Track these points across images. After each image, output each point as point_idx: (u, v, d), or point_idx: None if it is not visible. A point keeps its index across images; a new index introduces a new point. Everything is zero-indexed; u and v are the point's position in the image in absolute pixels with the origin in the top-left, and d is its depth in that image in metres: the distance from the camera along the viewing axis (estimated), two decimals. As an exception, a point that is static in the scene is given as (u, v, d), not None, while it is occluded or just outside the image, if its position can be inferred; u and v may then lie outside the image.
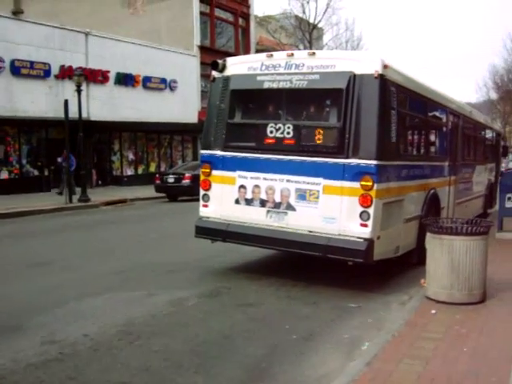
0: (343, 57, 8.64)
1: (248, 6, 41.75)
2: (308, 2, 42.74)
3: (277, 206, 8.50)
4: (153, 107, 30.79)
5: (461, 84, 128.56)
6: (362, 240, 7.70)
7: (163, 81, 32.07)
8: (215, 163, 9.15)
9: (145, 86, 30.84)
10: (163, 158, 34.43)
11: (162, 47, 32.59)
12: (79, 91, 21.05)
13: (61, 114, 20.97)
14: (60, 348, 5.75)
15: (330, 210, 7.97)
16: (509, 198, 12.18)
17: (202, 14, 36.28)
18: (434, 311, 6.73)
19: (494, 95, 57.60)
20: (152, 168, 33.17)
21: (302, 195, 8.24)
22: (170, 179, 23.96)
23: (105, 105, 28.08)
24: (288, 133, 8.44)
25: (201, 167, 9.41)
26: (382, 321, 6.78)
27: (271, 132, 8.59)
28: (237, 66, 9.14)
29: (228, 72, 9.14)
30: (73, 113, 21.01)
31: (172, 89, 32.78)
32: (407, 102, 9.35)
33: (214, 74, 9.32)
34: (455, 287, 6.96)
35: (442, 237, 7.00)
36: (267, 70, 8.73)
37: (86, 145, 25.52)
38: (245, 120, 9.15)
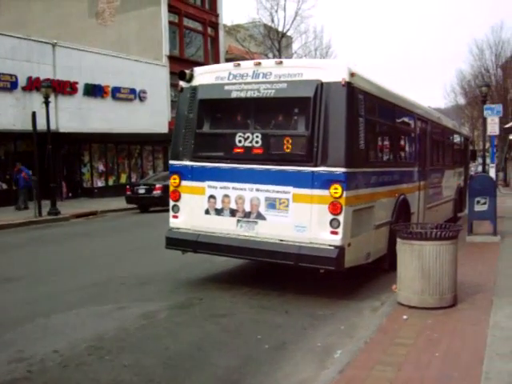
0: (310, 65, 8.72)
1: (217, 16, 41.82)
2: (276, 11, 43.00)
3: (247, 215, 8.46)
4: (122, 118, 30.60)
5: (429, 90, 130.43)
6: (332, 248, 7.71)
7: (132, 91, 31.91)
8: (184, 173, 9.09)
9: (114, 97, 30.63)
10: (134, 169, 34.18)
11: (130, 57, 32.44)
12: (47, 103, 20.79)
13: (29, 127, 20.73)
14: (28, 365, 5.62)
15: (300, 219, 7.96)
16: (478, 202, 12.32)
17: (170, 23, 36.21)
18: (405, 316, 6.76)
19: (461, 100, 58.52)
20: (123, 179, 32.89)
21: (271, 204, 8.22)
22: (141, 190, 23.78)
23: (74, 116, 27.82)
24: (257, 142, 8.41)
25: (170, 178, 9.32)
26: (354, 327, 6.78)
27: (240, 141, 8.54)
28: (204, 75, 9.12)
29: (196, 82, 9.12)
30: (41, 125, 20.75)
31: (142, 99, 32.61)
32: (375, 108, 9.35)
33: (182, 84, 9.32)
34: (426, 292, 7.00)
35: (411, 242, 7.04)
36: (235, 79, 8.70)
37: (56, 157, 25.23)
38: (213, 130, 9.12)
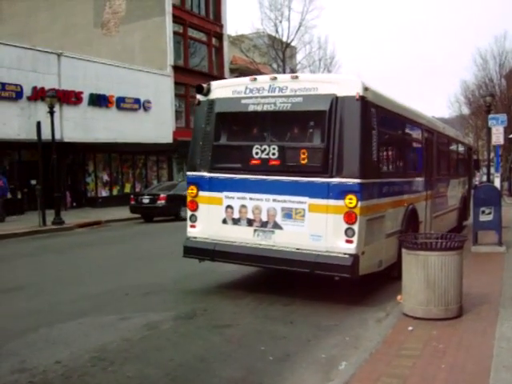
0: (325, 80, 9.10)
1: (221, 26, 41.96)
2: (281, 22, 43.15)
3: (264, 224, 8.71)
4: (127, 128, 30.67)
5: (434, 99, 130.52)
6: (347, 256, 7.96)
7: (137, 101, 31.98)
8: (202, 184, 9.33)
9: (118, 107, 30.71)
10: (138, 179, 34.19)
11: (135, 67, 32.56)
12: (52, 113, 20.85)
13: (34, 136, 20.76)
14: (31, 376, 5.59)
15: (316, 228, 8.22)
16: (483, 212, 12.26)
17: (175, 33, 36.34)
18: (411, 328, 6.71)
19: (465, 110, 58.46)
20: (127, 189, 32.89)
21: (288, 214, 8.47)
22: (145, 200, 23.79)
23: (78, 126, 27.89)
24: (273, 154, 8.67)
25: (187, 188, 9.55)
26: (359, 339, 6.73)
27: (256, 153, 8.80)
28: (221, 89, 9.40)
29: (213, 95, 9.38)
30: (46, 134, 20.78)
31: (146, 109, 32.68)
32: (386, 121, 9.53)
33: (199, 97, 9.55)
34: (431, 303, 6.95)
35: (417, 253, 7.00)
36: (251, 93, 8.99)
37: (60, 166, 25.24)
38: (230, 142, 9.32)
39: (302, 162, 8.44)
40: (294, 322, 7.47)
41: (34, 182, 23.96)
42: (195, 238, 9.41)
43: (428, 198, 12.09)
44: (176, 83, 35.80)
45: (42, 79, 26.06)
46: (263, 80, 9.12)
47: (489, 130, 21.56)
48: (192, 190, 9.39)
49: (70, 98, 27.51)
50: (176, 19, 36.26)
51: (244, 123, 9.49)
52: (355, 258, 7.92)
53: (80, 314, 7.92)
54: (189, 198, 9.51)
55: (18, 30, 36.75)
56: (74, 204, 29.55)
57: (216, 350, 6.38)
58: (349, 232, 7.94)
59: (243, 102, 9.01)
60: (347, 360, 5.91)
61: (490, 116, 20.91)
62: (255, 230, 8.76)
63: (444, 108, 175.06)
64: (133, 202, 24.28)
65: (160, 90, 34.02)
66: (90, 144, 28.69)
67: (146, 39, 35.57)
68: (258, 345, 6.55)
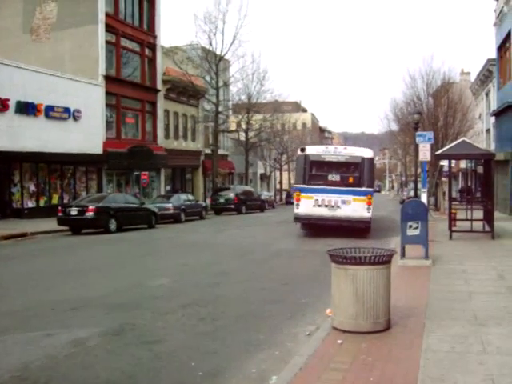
0: (358, 150, 22.51)
1: (154, 37, 41.66)
2: (215, 34, 43.32)
3: (332, 206, 20.74)
4: (56, 137, 29.95)
5: (366, 116, 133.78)
6: (368, 218, 20.63)
7: (67, 110, 31.29)
8: (302, 190, 21.25)
9: (47, 116, 29.95)
10: (66, 190, 33.31)
11: (65, 76, 31.87)
12: (-25, 120, 20.08)
13: (-45, 144, 19.92)
14: None
15: (355, 208, 20.51)
16: (410, 226, 12.55)
17: (107, 43, 35.77)
18: (340, 341, 6.75)
19: (394, 127, 60.02)
20: (55, 200, 31.97)
21: (343, 201, 20.66)
22: (73, 211, 23.18)
23: (4, 134, 26.97)
24: (337, 178, 21.18)
25: (294, 192, 22.58)
26: (289, 353, 6.71)
27: (330, 177, 21.23)
28: (311, 149, 22.51)
29: (307, 152, 21.83)
30: (-32, 143, 19.98)
31: (76, 118, 32.02)
32: (374, 166, 24.71)
33: (299, 152, 22.11)
34: (360, 316, 7.03)
35: (346, 267, 7.06)
36: (325, 152, 21.68)
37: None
38: (316, 172, 21.49)
39: (350, 181, 21.01)
40: (223, 337, 7.40)
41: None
42: (298, 214, 21.25)
43: (371, 199, 21.91)
44: (107, 93, 35.24)
45: (-34, 85, 25.10)
46: (331, 147, 23.36)
47: (416, 147, 22.18)
48: (297, 193, 21.45)
49: (-6, 105, 26.58)
50: (109, 28, 35.76)
51: (322, 164, 21.55)
52: (370, 219, 20.75)
53: (1, 331, 7.59)
54: (295, 196, 21.64)
55: None
56: (-1, 215, 28.45)
57: (145, 367, 6.24)
58: (368, 209, 20.54)
59: (322, 155, 21.50)
60: (277, 374, 5.88)
61: (418, 133, 21.54)
62: (328, 208, 20.74)
63: (375, 124, 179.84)
64: (60, 214, 23.61)
65: (91, 99, 33.42)
66: (17, 153, 27.76)
67: (78, 47, 34.84)
68: (188, 360, 6.44)
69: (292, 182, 78.95)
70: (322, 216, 20.79)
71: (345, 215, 20.56)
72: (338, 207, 20.61)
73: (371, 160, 21.81)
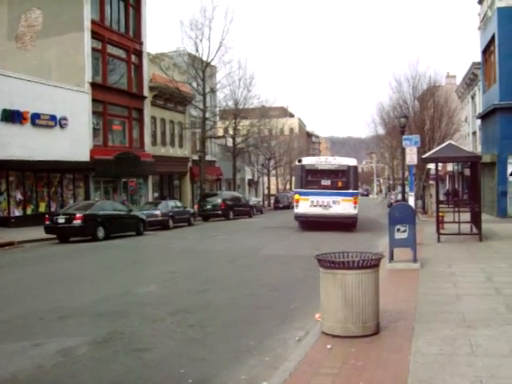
0: (344, 159, 28.38)
1: (141, 43, 41.59)
2: (201, 41, 43.33)
3: (325, 206, 25.59)
4: (42, 145, 29.78)
5: (354, 120, 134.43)
6: (354, 215, 26.02)
7: (53, 118, 31.15)
8: (300, 193, 26.24)
9: (34, 123, 29.78)
10: (53, 198, 33.08)
11: (51, 83, 31.73)
12: (-39, 129, 19.93)
13: None
14: None
15: (344, 206, 25.58)
16: (398, 230, 12.59)
17: (93, 50, 35.62)
18: (329, 346, 6.75)
19: (381, 131, 60.30)
20: (42, 208, 31.73)
21: (334, 202, 25.53)
22: (61, 220, 23.03)
23: (-10, 143, 26.75)
24: (328, 183, 26.23)
25: (294, 195, 28.03)
26: (278, 358, 6.70)
27: (322, 183, 26.17)
28: (307, 160, 28.56)
29: (304, 162, 27.51)
30: (-46, 152, 19.82)
31: (62, 126, 31.86)
32: (357, 172, 30.25)
33: (297, 163, 28.11)
34: (349, 321, 7.03)
35: (334, 271, 7.06)
36: (318, 162, 27.56)
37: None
38: (311, 179, 26.53)
39: (339, 185, 26.14)
40: (213, 344, 7.38)
41: None
42: (297, 213, 26.30)
43: (357, 199, 27.09)
44: (94, 100, 35.11)
45: (-49, 93, 24.90)
46: (323, 158, 30.26)
47: (403, 150, 22.29)
48: (297, 196, 26.47)
49: (-20, 113, 26.39)
50: (95, 35, 35.62)
51: (316, 172, 26.57)
52: (356, 215, 26.07)
53: (-12, 341, 7.51)
54: (295, 198, 26.72)
55: None
56: (-15, 224, 28.21)
57: (134, 375, 6.20)
58: (354, 207, 25.76)
59: (315, 165, 27.03)
60: (267, 380, 5.86)
61: (404, 137, 21.63)
62: (322, 208, 25.45)
63: (362, 129, 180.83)
64: (48, 222, 23.44)
65: (77, 106, 33.28)
66: (3, 161, 27.54)
67: (64, 54, 34.66)
68: (178, 368, 6.41)
69: (280, 187, 79.17)
70: (317, 214, 25.65)
71: (336, 213, 25.52)
72: (330, 206, 25.63)
73: (356, 167, 27.80)
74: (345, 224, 25.81)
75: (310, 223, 26.46)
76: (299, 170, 27.11)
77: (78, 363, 6.61)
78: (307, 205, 25.67)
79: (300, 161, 27.82)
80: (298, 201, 26.35)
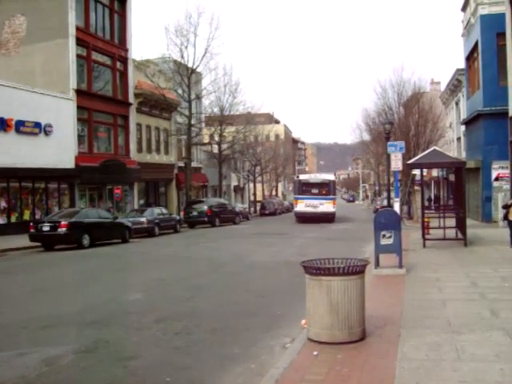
0: (327, 175, 49.50)
1: (126, 50, 41.51)
2: (186, 47, 43.29)
3: (314, 207, 41.24)
4: (27, 152, 29.58)
5: (339, 126, 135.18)
6: (333, 212, 42.31)
7: (38, 125, 30.97)
8: (297, 198, 43.24)
9: (18, 131, 29.57)
10: (38, 206, 32.82)
11: (36, 90, 31.54)
12: None
13: None
14: None
15: (327, 207, 41.49)
16: (383, 236, 12.61)
17: (78, 56, 35.49)
18: (315, 352, 6.74)
19: (366, 137, 60.50)
20: (26, 216, 31.43)
21: (321, 204, 41.38)
22: (45, 227, 22.87)
23: (-27, 150, 26.52)
24: (316, 191, 42.35)
25: (294, 199, 45.78)
26: (265, 366, 6.67)
27: (312, 191, 42.37)
28: (303, 176, 47.76)
29: (300, 178, 45.97)
30: None
31: (47, 133, 31.68)
32: (335, 185, 47.67)
33: (295, 178, 48.56)
34: (335, 327, 7.02)
35: (320, 278, 7.06)
36: (310, 178, 46.17)
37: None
38: (305, 189, 42.96)
39: (323, 192, 42.28)
40: (198, 352, 7.34)
41: None
42: (296, 211, 43.20)
43: (335, 202, 43.68)
44: (79, 107, 34.94)
45: None
46: (313, 175, 51.79)
47: (388, 156, 22.45)
48: (296, 200, 43.54)
49: (-37, 120, 26.17)
50: (79, 42, 35.49)
51: (308, 184, 43.29)
52: (334, 212, 42.59)
53: (-29, 351, 7.42)
54: (294, 202, 44.95)
55: None
56: (-32, 232, 27.93)
57: (119, 384, 6.14)
58: (333, 206, 42.11)
59: (308, 179, 44.86)
60: (253, 388, 5.84)
61: (389, 143, 21.75)
62: (312, 207, 41.13)
63: (347, 135, 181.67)
64: (32, 230, 23.28)
65: (62, 113, 33.12)
66: (-14, 169, 27.33)
67: (48, 61, 34.50)
68: (163, 376, 6.36)
69: (266, 193, 79.29)
70: (309, 212, 41.09)
71: (321, 211, 40.90)
72: (317, 207, 41.05)
73: (334, 181, 45.85)
74: (328, 218, 40.69)
75: (305, 218, 41.26)
76: (297, 183, 44.58)
77: (63, 372, 6.55)
78: (303, 206, 41.68)
79: (298, 177, 47.59)
80: (296, 203, 43.22)
